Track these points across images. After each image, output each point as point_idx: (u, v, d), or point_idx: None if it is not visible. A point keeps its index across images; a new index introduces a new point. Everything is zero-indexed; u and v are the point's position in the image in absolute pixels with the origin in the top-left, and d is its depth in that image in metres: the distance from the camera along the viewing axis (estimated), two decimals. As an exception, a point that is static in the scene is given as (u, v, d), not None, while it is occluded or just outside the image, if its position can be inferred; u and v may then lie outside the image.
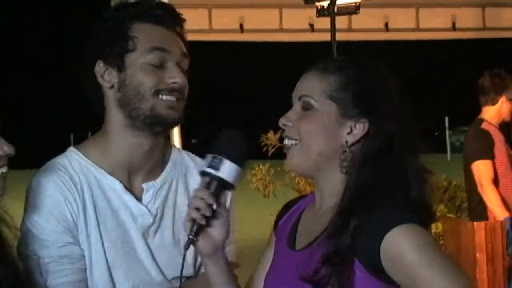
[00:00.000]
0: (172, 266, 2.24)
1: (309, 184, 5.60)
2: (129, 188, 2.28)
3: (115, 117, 2.26)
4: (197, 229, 1.99)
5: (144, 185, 2.27)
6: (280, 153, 5.94)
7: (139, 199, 2.28)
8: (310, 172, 2.09)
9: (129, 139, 2.26)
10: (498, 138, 5.78)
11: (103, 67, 2.23)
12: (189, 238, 1.99)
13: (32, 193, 2.22)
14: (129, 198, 2.26)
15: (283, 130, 2.05)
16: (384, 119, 2.02)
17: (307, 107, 2.02)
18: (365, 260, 1.90)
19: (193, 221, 1.98)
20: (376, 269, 1.90)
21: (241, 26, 6.71)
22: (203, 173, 2.03)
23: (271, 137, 5.83)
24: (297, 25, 7.03)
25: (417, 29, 7.31)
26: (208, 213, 1.98)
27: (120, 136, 2.27)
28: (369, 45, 7.41)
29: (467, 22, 7.38)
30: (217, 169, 1.99)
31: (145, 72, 2.21)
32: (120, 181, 2.26)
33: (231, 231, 2.35)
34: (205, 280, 2.20)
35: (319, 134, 2.01)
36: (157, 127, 2.24)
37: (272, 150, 5.89)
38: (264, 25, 7.04)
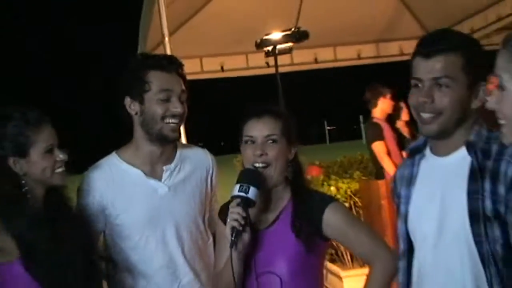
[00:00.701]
0: (187, 218, 2.26)
1: None
2: (152, 173, 2.27)
3: (139, 132, 2.26)
4: (236, 234, 1.93)
5: (164, 167, 2.27)
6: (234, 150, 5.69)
7: (160, 178, 2.26)
8: (277, 184, 2.04)
9: (148, 146, 2.26)
10: (385, 127, 5.71)
11: (130, 101, 2.22)
12: (232, 240, 1.93)
13: (80, 185, 2.26)
14: (149, 179, 2.26)
15: (258, 156, 1.99)
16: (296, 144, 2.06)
17: (272, 142, 2.00)
18: (312, 227, 1.97)
19: (233, 228, 1.93)
20: (318, 232, 1.98)
21: (222, 67, 6.68)
22: (235, 197, 1.98)
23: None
24: (257, 64, 6.86)
25: (335, 60, 7.25)
26: (243, 222, 1.93)
27: (143, 144, 2.27)
28: (303, 74, 7.31)
29: (367, 53, 7.36)
30: (247, 192, 1.96)
31: (157, 104, 2.18)
32: (143, 171, 2.25)
33: (216, 201, 2.44)
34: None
35: (280, 159, 2.01)
36: (163, 141, 2.24)
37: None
38: (236, 65, 6.91)
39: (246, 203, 1.96)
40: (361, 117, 32.36)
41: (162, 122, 2.18)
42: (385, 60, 7.43)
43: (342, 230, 1.97)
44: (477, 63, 1.63)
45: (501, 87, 1.37)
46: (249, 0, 5.85)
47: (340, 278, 4.85)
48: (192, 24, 6.07)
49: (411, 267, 1.81)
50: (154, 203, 2.24)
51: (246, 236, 1.95)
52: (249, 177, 1.99)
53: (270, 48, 4.66)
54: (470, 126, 1.67)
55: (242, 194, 1.95)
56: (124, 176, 2.25)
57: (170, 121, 2.19)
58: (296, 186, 2.04)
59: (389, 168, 5.41)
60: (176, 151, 2.32)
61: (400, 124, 6.33)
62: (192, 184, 2.30)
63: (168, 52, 3.98)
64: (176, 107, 2.18)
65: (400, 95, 6.03)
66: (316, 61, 7.04)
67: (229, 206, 1.97)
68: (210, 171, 2.43)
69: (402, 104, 6.28)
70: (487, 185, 1.59)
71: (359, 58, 7.27)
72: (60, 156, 2.00)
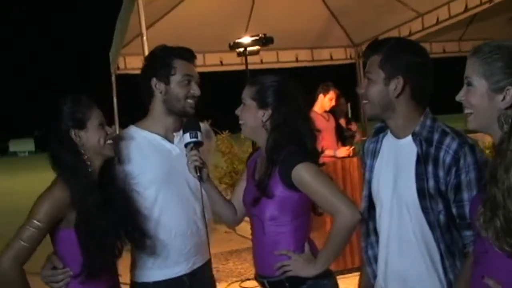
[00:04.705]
0: (193, 180, 2.22)
1: (227, 148, 5.56)
2: (166, 138, 2.34)
3: (159, 108, 2.33)
4: (200, 169, 2.09)
5: (174, 134, 2.34)
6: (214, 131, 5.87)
7: (171, 142, 2.34)
8: (251, 137, 2.18)
9: (166, 119, 2.34)
10: (320, 119, 5.76)
11: (156, 81, 2.30)
12: (198, 176, 2.09)
13: None
14: (165, 142, 2.32)
15: (238, 117, 2.12)
16: (279, 108, 2.05)
17: (244, 104, 2.11)
18: (285, 181, 1.99)
19: (196, 167, 2.08)
20: (292, 186, 1.99)
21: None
22: (188, 144, 2.11)
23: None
24: (213, 62, 7.08)
25: (278, 62, 7.52)
26: (200, 161, 2.09)
27: (161, 117, 2.34)
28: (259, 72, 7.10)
29: (304, 57, 7.74)
30: (197, 137, 2.12)
31: (181, 87, 2.28)
32: (158, 134, 2.33)
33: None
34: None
35: (249, 118, 2.09)
36: (183, 116, 2.33)
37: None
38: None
39: (197, 145, 2.10)
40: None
41: (184, 101, 2.28)
42: (318, 63, 7.83)
43: (309, 186, 1.95)
44: (392, 61, 1.77)
45: (469, 84, 1.53)
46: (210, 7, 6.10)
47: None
48: (167, 20, 6.22)
49: (369, 221, 1.97)
50: (169, 162, 2.28)
51: (205, 170, 2.11)
52: (193, 125, 2.14)
53: (241, 49, 4.94)
54: (413, 115, 1.78)
55: (194, 139, 2.10)
56: (143, 139, 2.28)
57: (190, 101, 2.29)
58: (271, 141, 2.05)
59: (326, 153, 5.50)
60: (183, 122, 2.37)
61: (342, 122, 6.52)
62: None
63: (146, 47, 4.07)
64: (195, 90, 2.29)
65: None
66: (261, 62, 7.24)
67: (185, 153, 2.10)
68: (210, 140, 2.51)
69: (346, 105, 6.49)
70: (430, 168, 1.73)
71: (296, 61, 7.64)
72: (109, 130, 2.10)
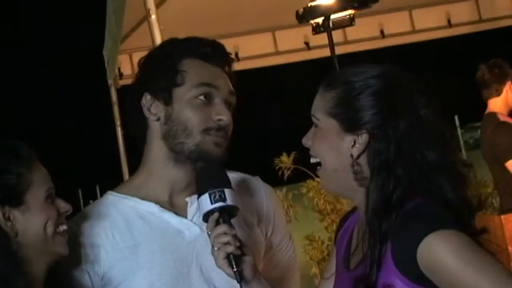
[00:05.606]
0: (229, 280, 2.20)
1: (329, 203, 5.65)
2: (171, 207, 2.32)
3: (158, 149, 2.31)
4: (237, 260, 2.04)
5: (187, 199, 2.31)
6: (297, 175, 5.88)
7: (182, 214, 2.31)
8: (338, 191, 2.17)
9: (171, 170, 2.31)
10: None
11: (150, 99, 2.27)
12: (235, 272, 2.04)
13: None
14: (168, 215, 2.29)
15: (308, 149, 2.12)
16: (383, 128, 2.00)
17: (315, 125, 2.08)
18: (406, 270, 1.90)
19: (229, 256, 2.04)
20: (419, 278, 1.90)
21: (236, 54, 6.61)
22: (209, 213, 2.09)
23: (285, 160, 5.72)
24: (292, 46, 7.14)
25: (413, 31, 7.53)
26: (238, 243, 2.05)
27: (162, 167, 2.32)
28: (366, 55, 7.45)
29: (462, 17, 7.59)
30: (223, 200, 2.07)
31: (192, 107, 2.25)
32: (158, 204, 2.29)
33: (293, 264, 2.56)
34: None
35: (327, 151, 2.05)
36: (199, 162, 2.27)
37: (288, 173, 5.79)
38: (260, 50, 7.11)
39: (228, 214, 2.08)
40: (456, 118, 32.07)
41: (201, 134, 2.25)
42: (490, 25, 7.77)
43: (452, 277, 1.88)
44: None
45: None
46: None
47: None
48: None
49: None
50: (179, 254, 2.29)
51: (249, 258, 2.09)
52: (213, 178, 2.14)
53: (319, 19, 4.85)
54: None
55: (219, 204, 2.06)
56: (128, 215, 2.31)
57: (214, 134, 2.26)
58: (374, 193, 1.97)
59: None
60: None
61: None
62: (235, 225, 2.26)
63: (157, 35, 4.07)
64: (221, 114, 2.25)
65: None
66: (382, 35, 7.35)
67: (207, 231, 2.10)
68: (264, 208, 2.47)
69: None
70: None
71: (449, 25, 7.54)
72: (63, 205, 2.11)
